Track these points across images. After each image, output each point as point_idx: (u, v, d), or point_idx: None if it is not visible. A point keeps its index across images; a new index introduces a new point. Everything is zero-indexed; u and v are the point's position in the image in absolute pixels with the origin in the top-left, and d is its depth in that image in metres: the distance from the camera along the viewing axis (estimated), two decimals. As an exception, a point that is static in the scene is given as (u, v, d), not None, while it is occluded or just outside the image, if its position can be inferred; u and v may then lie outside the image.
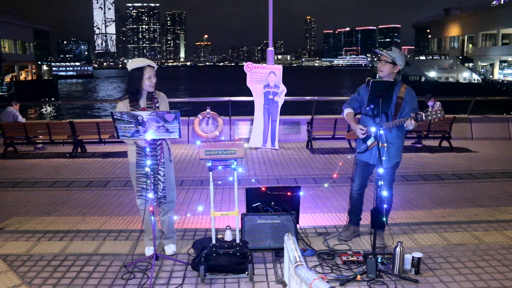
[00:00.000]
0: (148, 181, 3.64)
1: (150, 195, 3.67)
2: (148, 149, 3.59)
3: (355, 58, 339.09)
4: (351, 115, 4.07)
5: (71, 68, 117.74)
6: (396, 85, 3.83)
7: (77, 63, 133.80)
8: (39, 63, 67.00)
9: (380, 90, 3.55)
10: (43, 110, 39.48)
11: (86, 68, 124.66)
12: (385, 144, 3.87)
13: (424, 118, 3.60)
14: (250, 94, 9.50)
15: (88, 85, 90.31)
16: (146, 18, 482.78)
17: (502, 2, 52.05)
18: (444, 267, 3.66)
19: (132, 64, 3.65)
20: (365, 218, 4.66)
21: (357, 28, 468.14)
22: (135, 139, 3.55)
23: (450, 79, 47.14)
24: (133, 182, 3.82)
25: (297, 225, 4.06)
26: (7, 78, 49.78)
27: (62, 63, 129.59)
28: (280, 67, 9.30)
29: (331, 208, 5.34)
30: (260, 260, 3.82)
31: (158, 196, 3.74)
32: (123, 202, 5.68)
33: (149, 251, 3.92)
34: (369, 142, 3.94)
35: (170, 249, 4.02)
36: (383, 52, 3.87)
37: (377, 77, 4.09)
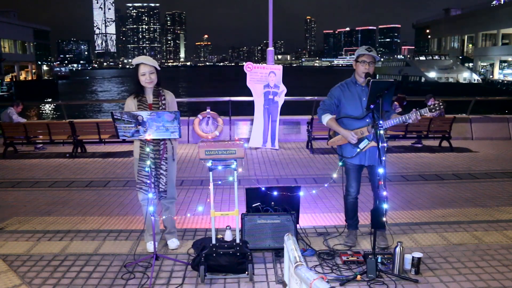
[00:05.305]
0: (148, 170, 3.69)
1: (150, 195, 3.70)
2: (151, 145, 3.70)
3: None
4: (334, 120, 3.91)
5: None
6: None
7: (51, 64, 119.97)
8: (39, 63, 66.92)
9: (380, 90, 3.55)
10: (43, 110, 39.43)
11: (60, 69, 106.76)
12: (385, 144, 3.87)
13: (427, 111, 3.70)
14: (250, 94, 9.50)
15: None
16: (146, 18, 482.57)
17: (502, 2, 52.00)
18: (444, 267, 3.66)
19: (133, 61, 3.85)
20: (365, 218, 4.66)
21: (357, 28, 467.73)
22: (134, 139, 3.59)
23: (450, 79, 47.16)
24: (135, 176, 3.88)
25: (297, 225, 4.06)
26: (7, 78, 49.77)
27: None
28: (280, 67, 9.30)
29: (331, 208, 5.34)
30: (260, 260, 3.82)
31: (160, 190, 3.81)
32: (123, 202, 5.68)
33: (150, 246, 3.96)
34: (362, 145, 3.87)
35: (173, 243, 4.06)
36: (372, 54, 3.85)
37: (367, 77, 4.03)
